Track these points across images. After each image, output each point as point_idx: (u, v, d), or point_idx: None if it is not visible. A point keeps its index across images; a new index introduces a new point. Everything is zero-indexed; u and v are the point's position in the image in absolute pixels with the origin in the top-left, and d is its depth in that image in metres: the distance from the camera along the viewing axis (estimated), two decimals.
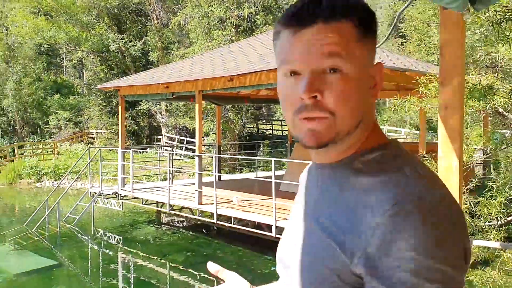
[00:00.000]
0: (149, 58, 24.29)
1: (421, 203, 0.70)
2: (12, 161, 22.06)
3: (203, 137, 14.90)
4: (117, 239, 11.08)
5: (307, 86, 0.75)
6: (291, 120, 0.80)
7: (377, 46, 0.85)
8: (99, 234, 11.58)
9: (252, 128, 25.31)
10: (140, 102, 22.79)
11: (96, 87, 14.29)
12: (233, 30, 18.92)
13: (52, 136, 27.39)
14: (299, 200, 0.95)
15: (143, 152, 21.23)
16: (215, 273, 1.02)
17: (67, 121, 27.48)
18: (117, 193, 11.58)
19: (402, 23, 16.94)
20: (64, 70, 38.34)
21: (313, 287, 0.79)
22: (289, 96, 0.79)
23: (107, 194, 11.85)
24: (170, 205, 10.12)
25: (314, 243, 0.81)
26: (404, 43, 20.30)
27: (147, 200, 11.19)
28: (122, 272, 8.98)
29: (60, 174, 19.12)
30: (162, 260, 9.36)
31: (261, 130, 26.87)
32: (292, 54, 0.78)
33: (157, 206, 11.37)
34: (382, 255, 0.69)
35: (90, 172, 13.11)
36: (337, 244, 0.75)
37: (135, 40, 24.44)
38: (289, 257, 0.88)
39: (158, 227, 12.12)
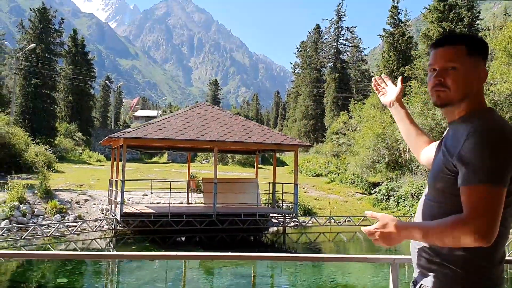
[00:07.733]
0: None
1: (482, 133, 1.52)
2: None
3: None
4: None
5: (437, 74, 1.69)
6: (430, 91, 1.71)
7: None
8: None
9: None
10: None
11: None
12: None
13: None
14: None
15: None
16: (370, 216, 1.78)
17: None
18: None
19: None
20: None
21: (434, 174, 1.67)
22: (429, 79, 1.70)
23: None
24: None
25: (439, 155, 1.70)
26: None
27: None
28: None
29: None
30: None
31: None
32: (432, 60, 1.68)
33: None
34: (464, 153, 1.53)
35: None
36: (447, 152, 1.63)
37: None
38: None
39: None
